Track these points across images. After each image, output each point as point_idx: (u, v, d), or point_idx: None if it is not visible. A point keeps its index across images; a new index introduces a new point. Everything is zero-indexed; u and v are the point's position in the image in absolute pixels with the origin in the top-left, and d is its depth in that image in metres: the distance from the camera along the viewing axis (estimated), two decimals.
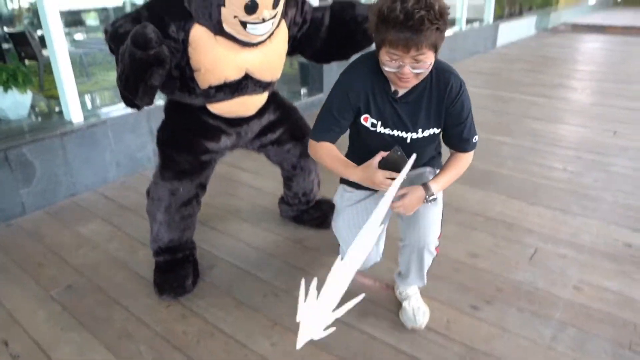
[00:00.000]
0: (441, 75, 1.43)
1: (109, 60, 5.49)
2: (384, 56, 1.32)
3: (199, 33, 1.64)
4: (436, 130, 1.50)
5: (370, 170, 1.38)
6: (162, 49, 1.47)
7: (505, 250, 2.21)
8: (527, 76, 5.79)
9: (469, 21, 7.29)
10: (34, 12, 6.03)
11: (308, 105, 4.12)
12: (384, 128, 1.47)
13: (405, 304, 1.81)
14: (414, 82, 1.37)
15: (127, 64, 1.48)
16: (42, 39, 4.65)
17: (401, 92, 1.44)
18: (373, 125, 1.48)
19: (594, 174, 3.00)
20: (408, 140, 1.47)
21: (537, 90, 5.07)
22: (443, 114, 1.46)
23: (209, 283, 2.03)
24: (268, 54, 1.78)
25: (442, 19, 1.24)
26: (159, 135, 1.97)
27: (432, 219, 1.60)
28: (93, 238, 2.42)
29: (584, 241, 2.27)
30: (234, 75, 1.74)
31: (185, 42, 1.64)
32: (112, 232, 2.46)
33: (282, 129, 2.11)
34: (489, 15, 7.76)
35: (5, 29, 5.45)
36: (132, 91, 1.54)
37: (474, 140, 1.53)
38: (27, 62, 4.96)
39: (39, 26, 4.46)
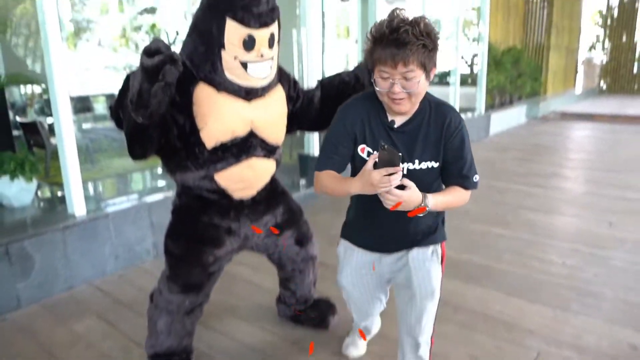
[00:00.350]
0: (439, 109, 1.50)
1: (115, 146, 5.68)
2: (376, 77, 1.40)
3: (202, 91, 1.72)
4: (434, 164, 1.50)
5: (366, 174, 1.37)
6: (172, 51, 1.49)
7: (507, 354, 2.16)
8: (521, 165, 5.94)
9: (461, 110, 7.61)
10: (46, 101, 6.32)
11: (307, 196, 4.19)
12: None
13: None
14: (407, 104, 1.42)
15: (139, 78, 1.48)
16: (50, 127, 4.84)
17: (398, 122, 1.49)
18: (369, 154, 1.50)
19: (593, 268, 2.99)
20: (404, 171, 1.46)
21: (531, 180, 5.18)
22: (441, 147, 1.49)
23: None
24: (269, 109, 1.85)
25: (428, 37, 1.32)
26: (167, 244, 1.95)
27: (428, 310, 1.62)
28: (87, 336, 2.36)
29: (588, 343, 2.23)
30: (240, 128, 1.77)
31: (189, 106, 1.71)
32: (107, 330, 2.41)
33: (288, 233, 2.14)
34: (480, 105, 8.12)
35: (18, 118, 5.67)
36: (146, 101, 1.49)
37: (474, 180, 1.53)
38: (34, 148, 5.11)
39: (49, 113, 4.65)
